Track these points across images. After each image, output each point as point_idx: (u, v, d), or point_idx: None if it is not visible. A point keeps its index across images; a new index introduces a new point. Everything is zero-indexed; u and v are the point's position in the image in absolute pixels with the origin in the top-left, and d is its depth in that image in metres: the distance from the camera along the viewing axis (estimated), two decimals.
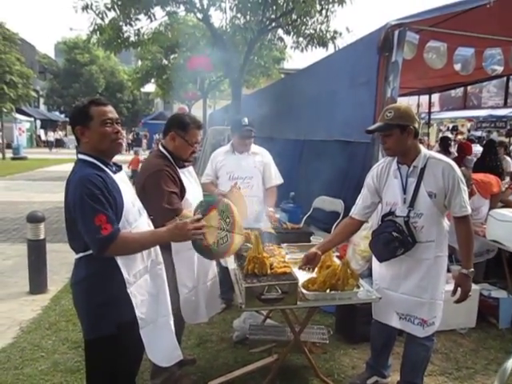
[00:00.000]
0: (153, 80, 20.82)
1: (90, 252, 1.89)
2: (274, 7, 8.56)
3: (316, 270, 2.68)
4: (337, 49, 8.97)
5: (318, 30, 9.11)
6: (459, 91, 11.21)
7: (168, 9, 9.19)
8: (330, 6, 8.54)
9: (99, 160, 1.94)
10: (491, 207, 4.39)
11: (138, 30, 9.69)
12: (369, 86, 4.22)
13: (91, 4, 8.34)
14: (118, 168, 2.06)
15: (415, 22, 3.89)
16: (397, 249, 2.52)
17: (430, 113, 10.64)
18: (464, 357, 3.45)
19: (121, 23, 8.92)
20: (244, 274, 2.54)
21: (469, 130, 19.18)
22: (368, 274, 3.65)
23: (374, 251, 2.71)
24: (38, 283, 4.67)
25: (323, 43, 9.19)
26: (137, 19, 9.00)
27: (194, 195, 2.73)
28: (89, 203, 1.79)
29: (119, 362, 2.01)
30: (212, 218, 2.18)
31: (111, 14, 8.60)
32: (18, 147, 23.66)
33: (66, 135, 36.18)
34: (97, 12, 8.47)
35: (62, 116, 38.05)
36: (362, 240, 3.77)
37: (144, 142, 31.09)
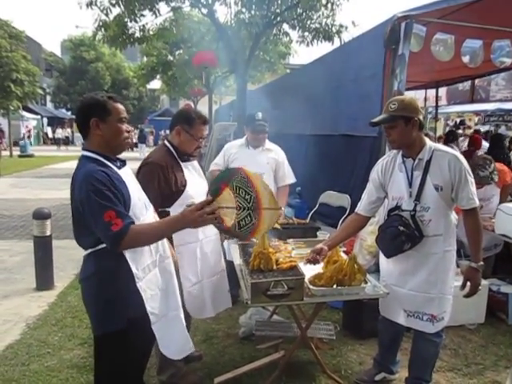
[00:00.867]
0: (158, 76, 20.81)
1: (99, 248, 1.88)
2: (279, 1, 8.49)
3: (323, 265, 2.66)
4: (342, 43, 8.90)
5: (323, 23, 9.05)
6: (467, 84, 11.03)
7: (173, 4, 9.14)
8: None
9: (103, 156, 1.93)
10: (501, 199, 4.35)
11: (143, 25, 9.65)
12: (375, 79, 4.17)
13: (95, 0, 8.34)
14: (123, 163, 2.05)
15: (422, 14, 3.83)
16: (404, 243, 2.48)
17: (437, 107, 10.52)
18: (473, 353, 3.41)
19: (126, 19, 8.88)
20: (250, 269, 2.52)
21: (476, 124, 18.98)
22: (375, 270, 3.63)
23: (381, 246, 2.68)
24: (44, 280, 4.69)
25: (329, 37, 9.12)
26: (142, 15, 8.95)
27: (196, 189, 2.71)
28: (96, 200, 1.77)
29: (128, 357, 2.01)
30: (225, 198, 1.99)
31: (116, 10, 8.61)
32: (24, 145, 23.81)
33: (73, 132, 36.31)
34: (101, 8, 8.48)
35: (69, 113, 38.20)
36: (368, 235, 3.74)
37: (151, 138, 31.15)
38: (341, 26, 9.10)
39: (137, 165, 2.76)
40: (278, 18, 9.02)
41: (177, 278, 2.52)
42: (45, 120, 37.76)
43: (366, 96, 4.39)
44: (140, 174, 2.61)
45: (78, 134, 30.98)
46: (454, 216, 2.59)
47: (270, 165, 3.90)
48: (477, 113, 17.69)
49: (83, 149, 1.97)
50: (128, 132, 2.00)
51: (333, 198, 4.96)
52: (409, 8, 3.88)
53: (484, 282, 3.65)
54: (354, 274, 2.51)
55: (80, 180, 1.83)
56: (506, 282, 4.12)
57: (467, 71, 6.33)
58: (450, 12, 4.15)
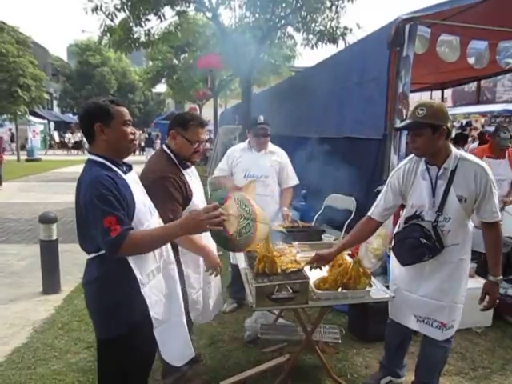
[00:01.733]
0: (163, 80, 20.93)
1: (102, 252, 1.87)
2: (284, 4, 8.51)
3: (327, 268, 2.65)
4: (347, 45, 8.89)
5: (328, 26, 9.02)
6: (472, 86, 11.02)
7: (178, 8, 9.20)
8: (340, 1, 8.47)
9: (110, 160, 1.93)
10: None
11: (148, 30, 9.72)
12: (379, 81, 4.17)
13: (101, 5, 8.42)
14: (129, 168, 2.05)
15: (426, 15, 3.83)
16: (424, 255, 2.41)
17: None
18: (480, 356, 3.38)
19: (131, 24, 8.96)
20: (254, 273, 2.52)
21: (482, 126, 18.87)
22: (380, 273, 3.61)
23: (398, 256, 2.59)
24: (51, 283, 4.70)
25: (333, 40, 9.10)
26: (147, 19, 9.02)
27: (198, 196, 2.70)
28: (98, 205, 1.77)
29: (131, 362, 2.00)
30: (230, 207, 2.00)
31: (121, 15, 8.69)
32: (32, 149, 23.93)
33: (83, 137, 36.34)
34: (106, 13, 8.54)
35: (75, 118, 38.42)
36: (374, 238, 3.72)
37: (157, 142, 31.23)
38: (345, 28, 9.06)
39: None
40: (283, 21, 9.04)
41: (183, 285, 2.53)
42: (52, 124, 38.00)
43: (370, 98, 4.38)
44: (159, 191, 2.41)
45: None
46: (470, 224, 2.51)
47: (273, 167, 3.89)
48: (483, 114, 17.60)
49: (89, 152, 1.97)
50: (133, 134, 2.00)
51: (338, 200, 4.95)
52: (414, 10, 3.88)
53: None
54: (359, 277, 2.50)
55: (86, 184, 1.83)
56: None
57: (473, 72, 6.32)
58: (454, 13, 4.14)
